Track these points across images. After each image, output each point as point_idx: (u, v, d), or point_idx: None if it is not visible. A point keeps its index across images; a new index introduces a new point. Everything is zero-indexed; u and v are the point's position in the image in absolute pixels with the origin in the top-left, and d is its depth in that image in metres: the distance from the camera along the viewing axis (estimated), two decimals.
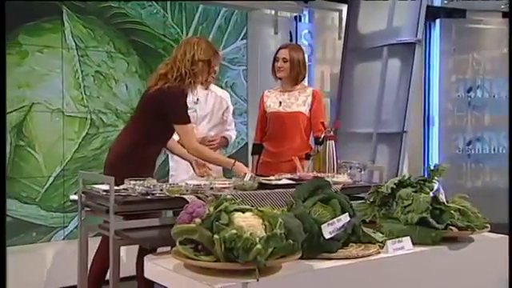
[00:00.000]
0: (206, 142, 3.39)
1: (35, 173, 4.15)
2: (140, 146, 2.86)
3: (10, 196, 4.05)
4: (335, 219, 1.95)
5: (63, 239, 4.22)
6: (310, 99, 3.40)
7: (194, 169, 3.10)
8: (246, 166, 3.61)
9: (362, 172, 2.83)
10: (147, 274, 1.90)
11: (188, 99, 3.42)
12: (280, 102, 3.44)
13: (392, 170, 4.53)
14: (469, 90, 6.62)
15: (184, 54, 2.89)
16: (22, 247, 4.04)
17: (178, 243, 1.76)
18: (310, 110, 3.41)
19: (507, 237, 2.30)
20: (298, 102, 3.41)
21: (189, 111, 3.36)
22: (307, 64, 3.54)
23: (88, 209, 2.47)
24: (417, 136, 6.67)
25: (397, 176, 2.44)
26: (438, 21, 6.64)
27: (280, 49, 3.51)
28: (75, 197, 2.48)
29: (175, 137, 3.39)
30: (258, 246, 1.62)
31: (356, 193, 2.77)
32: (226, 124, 3.58)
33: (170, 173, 3.47)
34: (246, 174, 2.63)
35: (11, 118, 4.05)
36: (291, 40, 5.28)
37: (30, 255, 3.95)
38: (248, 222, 1.71)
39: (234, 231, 1.64)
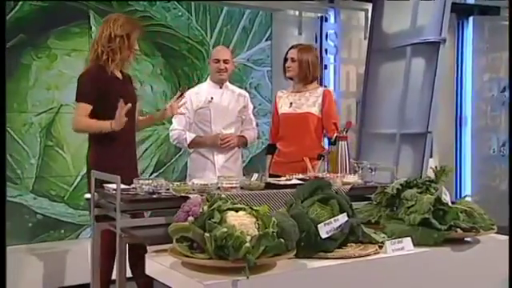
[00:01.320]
0: (218, 139, 3.41)
1: (63, 172, 4.30)
2: (97, 149, 2.92)
3: (39, 194, 4.22)
4: (332, 219, 1.97)
5: (89, 237, 4.33)
6: (320, 99, 3.41)
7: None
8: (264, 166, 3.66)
9: (373, 173, 2.82)
10: (148, 271, 1.96)
11: (201, 98, 3.47)
12: (291, 103, 3.47)
13: (416, 171, 4.47)
14: (503, 90, 6.47)
15: (102, 32, 2.91)
16: (51, 244, 4.20)
17: (174, 241, 1.82)
18: (322, 111, 3.41)
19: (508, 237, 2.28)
20: (308, 102, 3.43)
21: (202, 110, 3.44)
22: (318, 64, 3.53)
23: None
24: (448, 136, 6.57)
25: (421, 177, 2.42)
26: (471, 18, 6.52)
27: (290, 49, 3.55)
28: (89, 195, 2.57)
29: (190, 135, 3.45)
30: (247, 244, 1.65)
31: (367, 193, 2.76)
32: (246, 123, 3.60)
33: (188, 172, 3.53)
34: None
35: (41, 119, 4.22)
36: (316, 41, 5.30)
37: (59, 251, 4.08)
38: (240, 220, 1.75)
39: (225, 229, 1.68)
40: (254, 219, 1.79)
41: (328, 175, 2.76)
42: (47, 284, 3.96)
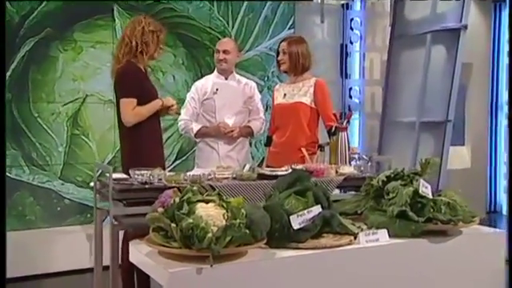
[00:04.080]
0: (221, 128, 3.48)
1: (89, 159, 4.51)
2: (131, 140, 3.05)
3: (67, 180, 4.46)
4: (305, 211, 2.03)
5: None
6: (312, 89, 3.41)
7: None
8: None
9: (369, 163, 2.85)
10: (131, 258, 2.09)
11: (207, 89, 3.57)
12: (284, 94, 3.50)
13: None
14: None
15: (133, 29, 3.05)
16: (78, 227, 4.44)
17: (151, 230, 1.93)
18: (315, 101, 3.42)
19: (499, 231, 2.27)
20: (300, 92, 3.44)
21: (207, 100, 3.53)
22: (310, 55, 3.50)
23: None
24: (481, 124, 6.43)
25: (440, 167, 2.42)
26: (508, 1, 6.32)
27: (281, 42, 3.57)
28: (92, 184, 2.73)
29: (196, 125, 3.56)
30: (209, 234, 1.74)
31: (362, 184, 2.79)
32: (252, 113, 3.65)
33: (195, 161, 3.64)
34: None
35: (67, 109, 4.44)
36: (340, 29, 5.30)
37: (85, 235, 4.29)
38: (208, 212, 1.84)
39: (191, 220, 1.78)
40: (224, 211, 1.88)
41: (323, 166, 2.81)
42: (76, 263, 4.17)
